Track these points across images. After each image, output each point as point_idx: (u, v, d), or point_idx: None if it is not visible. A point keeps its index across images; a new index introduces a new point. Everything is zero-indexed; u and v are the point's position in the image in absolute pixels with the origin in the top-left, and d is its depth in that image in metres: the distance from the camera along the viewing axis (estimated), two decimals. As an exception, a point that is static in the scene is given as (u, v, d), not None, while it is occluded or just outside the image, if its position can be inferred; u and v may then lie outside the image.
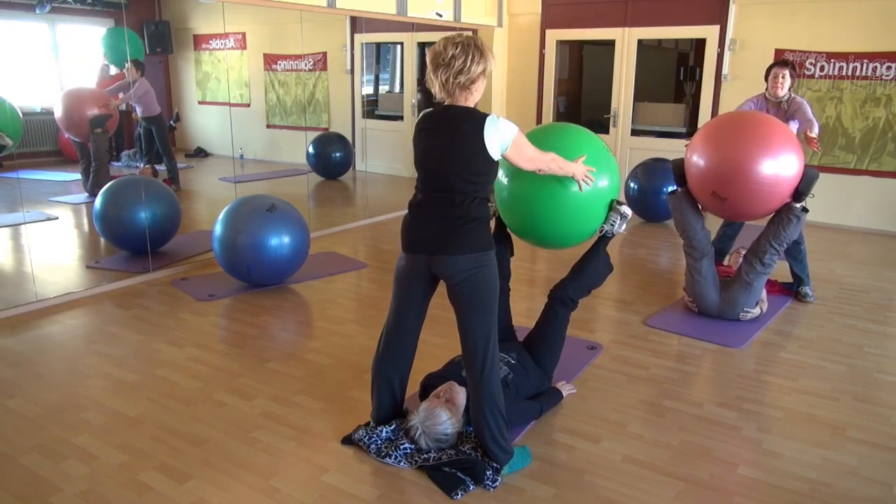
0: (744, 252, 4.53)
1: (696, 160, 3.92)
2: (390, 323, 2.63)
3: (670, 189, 4.26)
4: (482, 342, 2.42)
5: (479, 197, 2.40)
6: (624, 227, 2.92)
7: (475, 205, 2.38)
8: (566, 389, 3.10)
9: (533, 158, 2.49)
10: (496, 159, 2.38)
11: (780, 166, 3.68)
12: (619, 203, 2.91)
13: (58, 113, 6.26)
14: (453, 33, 2.40)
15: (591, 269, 3.03)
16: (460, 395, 2.65)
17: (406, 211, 2.54)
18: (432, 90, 2.40)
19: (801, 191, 3.77)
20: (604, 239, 3.00)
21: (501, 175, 2.93)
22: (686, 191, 4.07)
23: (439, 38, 2.37)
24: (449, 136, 2.35)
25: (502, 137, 2.35)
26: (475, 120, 2.33)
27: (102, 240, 5.32)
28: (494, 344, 2.45)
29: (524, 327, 3.39)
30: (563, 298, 3.00)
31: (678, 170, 4.11)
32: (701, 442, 2.76)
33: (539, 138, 2.83)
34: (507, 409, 2.50)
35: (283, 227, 4.39)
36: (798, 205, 3.82)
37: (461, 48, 2.29)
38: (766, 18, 6.59)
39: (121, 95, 6.78)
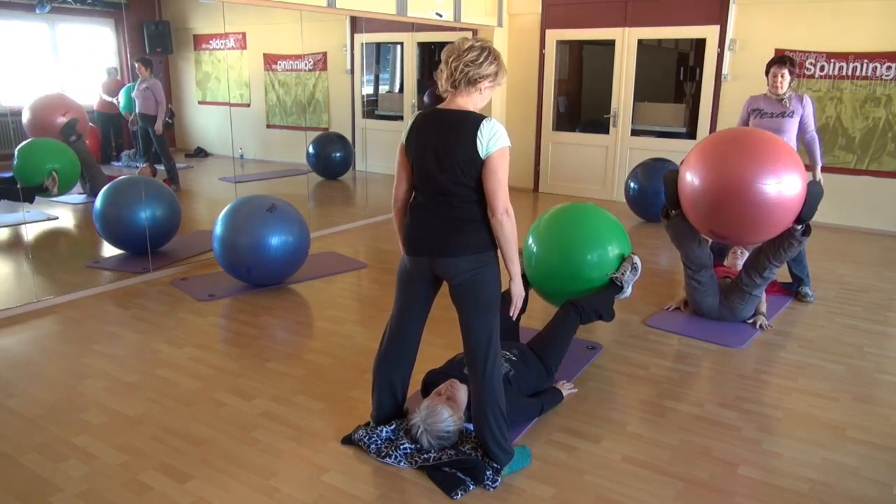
0: (741, 251, 4.53)
1: (691, 190, 3.70)
2: (393, 324, 2.63)
3: (664, 211, 4.04)
4: (484, 342, 2.42)
5: (478, 199, 2.37)
6: (630, 287, 3.42)
7: (474, 206, 2.36)
8: (566, 389, 3.10)
9: (501, 183, 2.29)
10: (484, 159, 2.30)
11: (782, 189, 3.46)
12: (633, 254, 3.48)
13: (25, 121, 6.09)
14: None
15: (599, 297, 3.34)
16: (461, 392, 2.66)
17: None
18: (439, 83, 2.40)
19: (804, 217, 3.62)
20: (613, 285, 3.39)
21: (531, 240, 3.58)
22: (680, 213, 3.90)
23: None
24: (444, 137, 2.32)
25: (493, 139, 2.28)
26: (471, 122, 2.30)
27: (102, 240, 5.33)
28: (496, 344, 2.45)
29: (524, 328, 3.39)
30: (576, 305, 3.25)
31: (671, 188, 3.89)
32: (701, 442, 2.76)
33: (559, 217, 3.57)
34: (508, 406, 2.50)
35: (283, 227, 4.39)
36: (799, 227, 3.69)
37: (479, 46, 2.34)
38: (766, 18, 6.59)
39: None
